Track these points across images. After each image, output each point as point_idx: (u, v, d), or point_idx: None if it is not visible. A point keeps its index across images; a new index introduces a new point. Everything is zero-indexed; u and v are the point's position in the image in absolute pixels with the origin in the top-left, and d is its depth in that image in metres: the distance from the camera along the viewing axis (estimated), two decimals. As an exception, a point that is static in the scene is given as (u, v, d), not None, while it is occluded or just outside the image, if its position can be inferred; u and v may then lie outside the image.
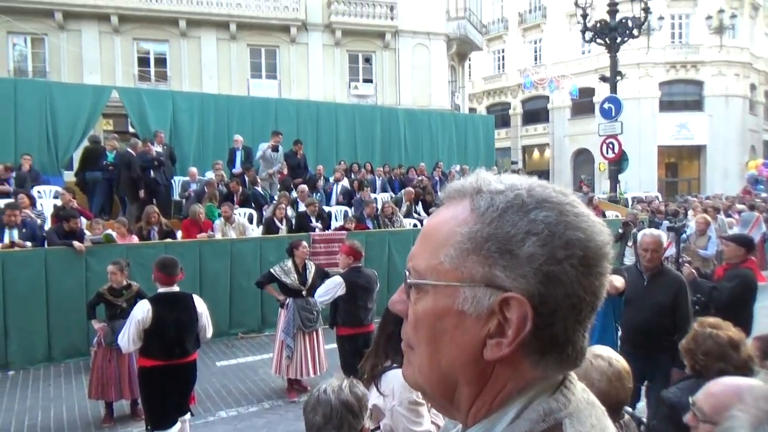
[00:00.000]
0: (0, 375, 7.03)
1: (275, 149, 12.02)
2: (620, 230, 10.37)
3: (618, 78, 13.69)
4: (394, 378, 2.55)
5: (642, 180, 28.25)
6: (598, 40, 13.63)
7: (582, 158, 33.71)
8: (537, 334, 0.65)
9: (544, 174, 32.22)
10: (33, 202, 8.70)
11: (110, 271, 5.62)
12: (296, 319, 6.12)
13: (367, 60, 23.05)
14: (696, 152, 32.39)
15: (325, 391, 1.99)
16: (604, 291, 0.68)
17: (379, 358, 2.72)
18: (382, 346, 2.75)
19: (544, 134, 35.86)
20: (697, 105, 31.57)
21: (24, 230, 7.73)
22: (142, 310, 4.24)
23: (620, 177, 15.66)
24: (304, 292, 6.16)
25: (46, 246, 7.61)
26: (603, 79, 14.20)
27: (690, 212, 14.05)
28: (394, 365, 2.65)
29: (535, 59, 35.92)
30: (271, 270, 6.31)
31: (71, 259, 7.54)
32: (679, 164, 33.82)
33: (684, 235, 10.39)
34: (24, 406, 6.08)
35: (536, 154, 37.50)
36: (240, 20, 20.78)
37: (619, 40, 13.37)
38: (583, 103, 31.88)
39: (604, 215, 13.39)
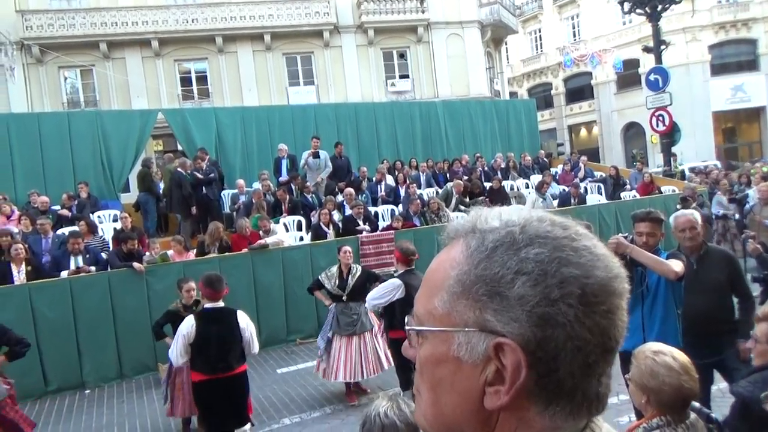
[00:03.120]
0: (77, 394, 7.41)
1: (316, 155, 12.16)
2: (678, 206, 9.95)
3: (662, 47, 13.14)
4: None
5: (699, 149, 27.03)
6: (638, 10, 13.11)
7: (632, 132, 32.55)
8: (539, 381, 0.61)
9: (593, 152, 31.31)
10: (94, 229, 9.09)
11: (191, 288, 5.74)
12: (333, 322, 6.17)
13: (402, 56, 22.98)
14: (755, 114, 30.71)
15: (386, 414, 1.95)
16: (621, 330, 0.63)
17: None
18: None
19: (590, 111, 34.82)
20: (751, 65, 29.93)
21: (87, 256, 8.12)
22: (187, 326, 4.43)
23: (674, 149, 15.04)
24: (344, 297, 6.18)
25: (109, 269, 7.96)
26: (646, 49, 13.66)
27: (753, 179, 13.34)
28: None
29: (574, 36, 34.89)
30: (319, 277, 6.42)
31: (133, 280, 7.87)
32: (738, 129, 32.16)
33: (747, 206, 9.89)
34: (101, 423, 6.39)
35: (583, 132, 36.46)
36: (273, 30, 21.12)
37: (659, 7, 12.83)
38: (628, 76, 30.75)
39: (660, 191, 12.91)
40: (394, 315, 5.39)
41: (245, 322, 4.65)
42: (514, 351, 0.60)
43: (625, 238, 3.57)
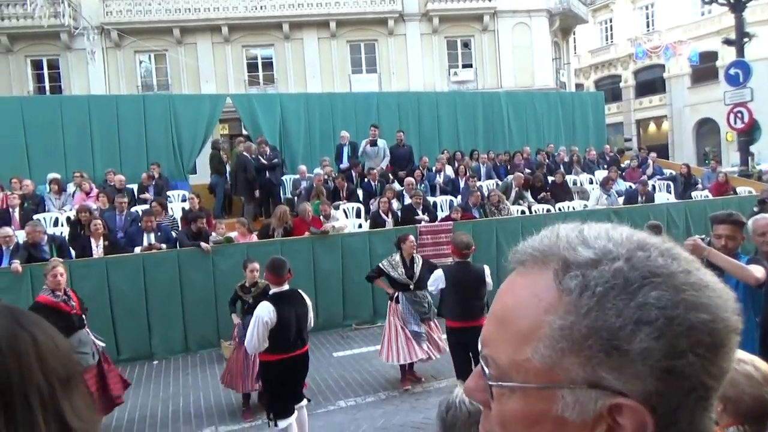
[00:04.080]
0: (146, 365, 7.84)
1: (373, 143, 12.23)
2: (755, 209, 9.44)
3: (745, 40, 12.40)
4: None
5: (779, 149, 25.44)
6: (720, 0, 12.42)
7: (705, 129, 30.97)
8: None
9: (662, 148, 30.02)
10: (165, 208, 9.51)
11: (255, 268, 5.99)
12: (406, 311, 6.25)
13: (466, 45, 22.70)
14: None
15: (471, 401, 1.96)
16: (731, 365, 0.58)
17: None
18: None
19: (661, 106, 33.32)
20: None
21: (159, 234, 8.52)
22: (267, 311, 4.44)
23: (752, 148, 14.24)
24: (411, 286, 6.27)
25: (178, 247, 8.33)
26: (727, 42, 12.94)
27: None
28: None
29: (647, 26, 33.40)
30: (380, 264, 6.49)
31: (200, 259, 8.22)
32: (824, 128, 30.03)
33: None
34: (168, 393, 6.74)
35: (652, 127, 34.97)
36: (339, 18, 21.31)
37: (745, -2, 12.12)
38: (704, 69, 29.19)
39: (735, 192, 12.28)
40: (444, 303, 5.60)
41: (308, 299, 4.85)
42: (637, 413, 0.53)
43: (702, 240, 3.44)
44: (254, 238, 8.80)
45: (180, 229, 9.00)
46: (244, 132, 15.54)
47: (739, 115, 12.79)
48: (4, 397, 0.72)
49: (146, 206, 9.70)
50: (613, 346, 0.53)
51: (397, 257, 6.39)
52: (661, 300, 0.53)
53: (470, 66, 22.62)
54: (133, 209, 9.83)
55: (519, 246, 0.65)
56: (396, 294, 6.37)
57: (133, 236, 8.49)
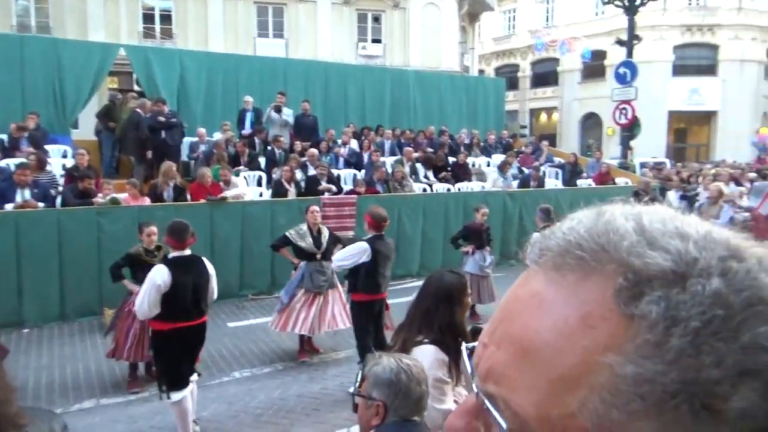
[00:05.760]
0: (15, 332, 7.13)
1: (278, 110, 11.86)
2: (631, 199, 10.28)
3: (635, 42, 13.38)
4: (424, 353, 2.55)
5: (651, 146, 27.91)
6: (617, 2, 13.26)
7: (590, 122, 33.30)
8: None
9: (551, 137, 31.91)
10: (44, 163, 8.64)
11: (153, 232, 5.56)
12: (306, 280, 6.15)
13: (377, 19, 22.56)
14: (706, 118, 31.92)
15: (407, 367, 2.06)
16: None
17: (412, 332, 2.71)
18: (416, 321, 2.74)
19: (553, 97, 35.34)
20: (710, 70, 30.95)
21: (36, 190, 7.73)
22: (161, 275, 4.24)
23: (631, 143, 15.49)
24: (318, 256, 6.18)
25: (58, 205, 7.61)
26: (620, 42, 13.91)
27: (701, 180, 13.94)
28: (426, 340, 2.65)
29: (547, 20, 35.11)
30: (287, 234, 6.30)
31: (84, 220, 7.58)
32: (689, 130, 33.38)
33: (696, 204, 10.34)
34: (40, 364, 6.19)
35: (543, 117, 37.05)
36: (246, -24, 20.30)
37: (638, 1, 13.01)
38: (594, 67, 31.27)
39: (614, 182, 13.31)
40: (358, 278, 5.41)
41: (212, 269, 4.61)
42: None
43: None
44: (147, 201, 8.25)
45: (65, 186, 8.21)
46: (136, 87, 14.47)
47: (624, 111, 13.84)
48: None
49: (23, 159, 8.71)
50: (704, 406, 0.37)
51: (304, 227, 6.26)
52: None
53: (379, 41, 22.54)
54: (3, 162, 8.83)
55: (548, 236, 0.46)
56: (300, 264, 6.25)
57: (3, 192, 7.62)
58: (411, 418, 2.02)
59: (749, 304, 0.38)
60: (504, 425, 0.43)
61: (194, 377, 4.73)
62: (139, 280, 5.49)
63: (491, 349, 0.46)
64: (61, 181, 8.74)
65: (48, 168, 8.91)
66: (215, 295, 4.75)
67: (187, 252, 4.50)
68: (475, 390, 0.48)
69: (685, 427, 0.37)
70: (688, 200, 11.36)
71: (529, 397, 0.42)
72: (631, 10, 13.12)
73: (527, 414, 0.42)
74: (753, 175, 14.80)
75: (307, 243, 6.18)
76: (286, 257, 6.55)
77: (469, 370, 0.50)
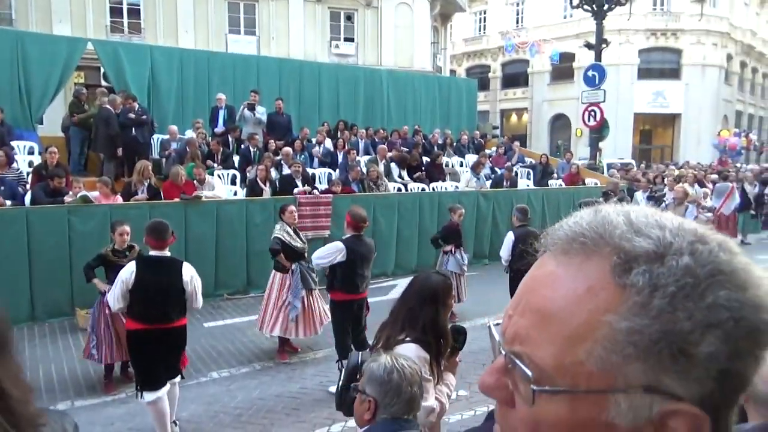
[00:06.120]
0: (-18, 335, 6.92)
1: (251, 108, 11.76)
2: (600, 199, 10.56)
3: (603, 45, 13.69)
4: (407, 351, 2.60)
5: (617, 147, 28.65)
6: (585, 6, 13.56)
7: (559, 123, 33.95)
8: None
9: (521, 138, 32.39)
10: (11, 160, 8.41)
11: (125, 231, 5.45)
12: (306, 281, 6.16)
13: (349, 18, 22.54)
14: (670, 120, 32.89)
15: (402, 367, 2.09)
16: None
17: (395, 330, 2.76)
18: (400, 319, 2.78)
19: (523, 98, 35.91)
20: (674, 73, 31.90)
21: (2, 188, 7.52)
22: (128, 271, 4.27)
23: (600, 144, 15.85)
24: (306, 254, 6.20)
25: (27, 203, 7.41)
26: (588, 46, 14.21)
27: (666, 180, 14.36)
28: (408, 338, 2.70)
29: (517, 22, 35.63)
30: (281, 237, 6.14)
31: (54, 219, 7.39)
32: (654, 132, 34.36)
33: (662, 205, 10.66)
34: (11, 366, 6.03)
35: (514, 118, 37.60)
36: (218, -29, 20.03)
37: (606, 6, 13.33)
38: (562, 69, 31.89)
39: (584, 183, 13.61)
40: (335, 277, 5.43)
41: (190, 274, 4.44)
42: (695, 418, 0.50)
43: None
44: (119, 199, 8.10)
45: (35, 184, 7.99)
46: (104, 83, 14.15)
47: (593, 113, 14.17)
48: None
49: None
50: (680, 351, 0.49)
51: (288, 228, 6.23)
52: (730, 301, 0.50)
53: (352, 40, 22.53)
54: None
55: (557, 228, 0.58)
56: (292, 266, 6.20)
57: (-32, 189, 7.40)
58: (402, 416, 2.07)
59: (711, 275, 0.51)
60: (530, 374, 0.54)
61: (177, 379, 4.69)
62: (110, 280, 5.41)
63: (516, 318, 0.58)
64: (28, 179, 8.51)
65: (14, 165, 8.67)
66: (198, 303, 4.54)
67: (166, 253, 4.44)
68: (503, 352, 0.59)
69: (666, 367, 0.50)
70: (655, 201, 11.70)
71: (548, 351, 0.54)
72: (599, 15, 13.44)
73: (547, 364, 0.54)
74: (714, 176, 15.33)
75: (298, 243, 6.19)
76: (281, 262, 6.26)
77: (497, 338, 0.62)
